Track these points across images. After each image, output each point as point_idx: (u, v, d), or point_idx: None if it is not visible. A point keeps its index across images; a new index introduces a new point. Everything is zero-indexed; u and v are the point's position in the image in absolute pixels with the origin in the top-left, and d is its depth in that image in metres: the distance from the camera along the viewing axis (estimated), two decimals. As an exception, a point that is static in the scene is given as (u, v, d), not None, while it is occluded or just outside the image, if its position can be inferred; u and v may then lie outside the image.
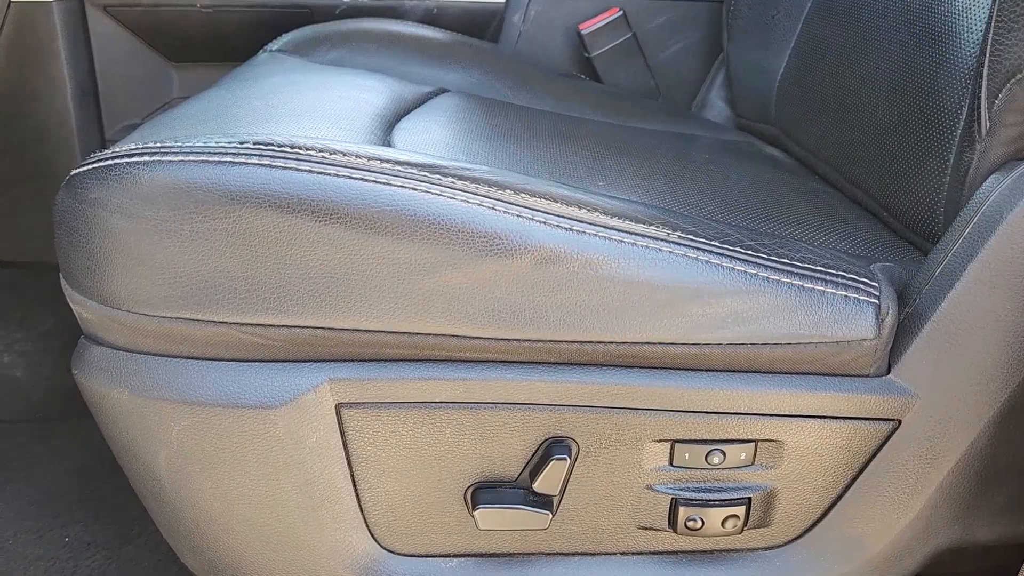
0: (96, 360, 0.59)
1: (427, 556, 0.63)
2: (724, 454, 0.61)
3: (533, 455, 0.61)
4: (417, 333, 0.57)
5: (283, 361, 0.58)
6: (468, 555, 0.64)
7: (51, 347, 1.21)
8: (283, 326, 0.56)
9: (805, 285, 0.58)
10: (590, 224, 0.57)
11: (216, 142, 0.56)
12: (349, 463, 0.60)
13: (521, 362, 0.58)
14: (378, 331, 0.57)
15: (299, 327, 0.56)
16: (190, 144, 0.56)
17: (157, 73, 1.22)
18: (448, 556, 0.64)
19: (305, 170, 0.55)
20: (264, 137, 0.57)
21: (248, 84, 0.84)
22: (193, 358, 0.58)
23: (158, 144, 0.56)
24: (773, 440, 0.61)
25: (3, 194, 1.18)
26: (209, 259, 0.55)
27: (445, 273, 0.55)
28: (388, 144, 0.75)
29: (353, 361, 0.58)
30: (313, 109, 0.75)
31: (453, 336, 0.57)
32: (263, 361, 0.58)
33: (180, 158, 0.55)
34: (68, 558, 0.90)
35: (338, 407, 0.58)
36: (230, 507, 0.60)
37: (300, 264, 0.55)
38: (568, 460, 0.59)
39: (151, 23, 1.17)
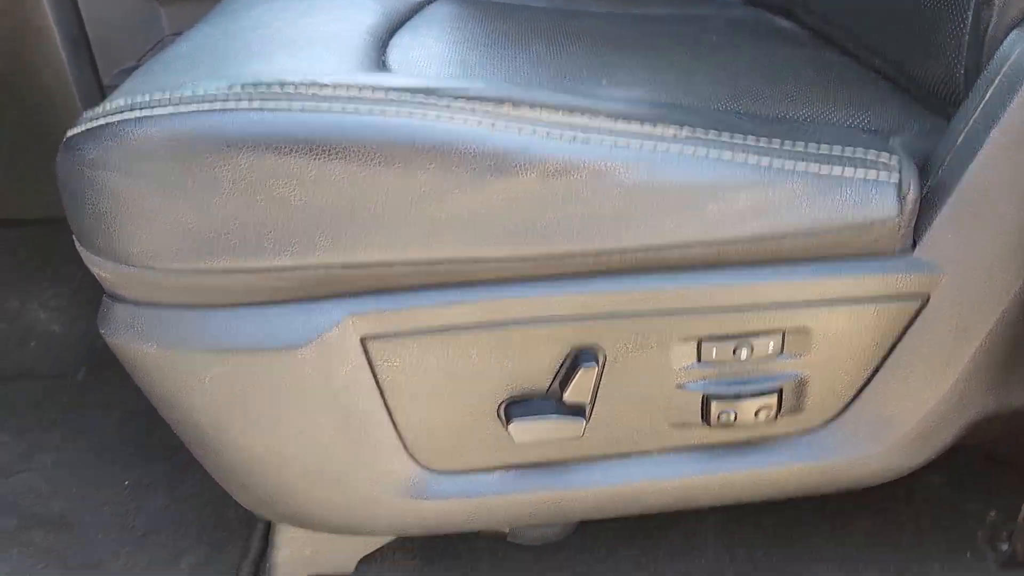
0: (120, 318, 0.60)
1: (469, 472, 0.65)
2: (752, 347, 0.61)
3: (561, 366, 0.61)
4: (431, 260, 0.56)
5: (303, 301, 0.58)
6: (508, 467, 0.65)
7: (84, 300, 1.23)
8: (297, 267, 0.56)
9: (823, 170, 0.57)
10: (595, 131, 0.55)
11: (205, 90, 0.55)
12: (381, 393, 0.61)
13: (540, 277, 0.58)
14: (392, 262, 0.56)
15: (313, 267, 0.56)
16: (179, 94, 0.55)
17: (144, 11, 1.19)
18: (489, 470, 0.65)
19: (297, 109, 0.53)
20: (252, 78, 0.55)
21: (238, 17, 0.82)
22: (214, 307, 0.58)
23: (148, 97, 0.55)
24: (800, 328, 0.61)
25: (13, 154, 1.18)
26: (213, 209, 0.55)
27: (451, 198, 0.54)
28: (384, 64, 0.73)
29: (372, 294, 0.58)
30: (305, 36, 0.73)
31: (468, 260, 0.56)
32: (283, 303, 0.58)
33: (171, 110, 0.54)
34: (131, 500, 0.94)
35: (363, 340, 0.59)
36: (272, 447, 0.62)
37: (305, 204, 0.54)
38: (596, 367, 0.60)
39: (131, -40, 1.14)
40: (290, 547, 0.76)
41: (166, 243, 0.56)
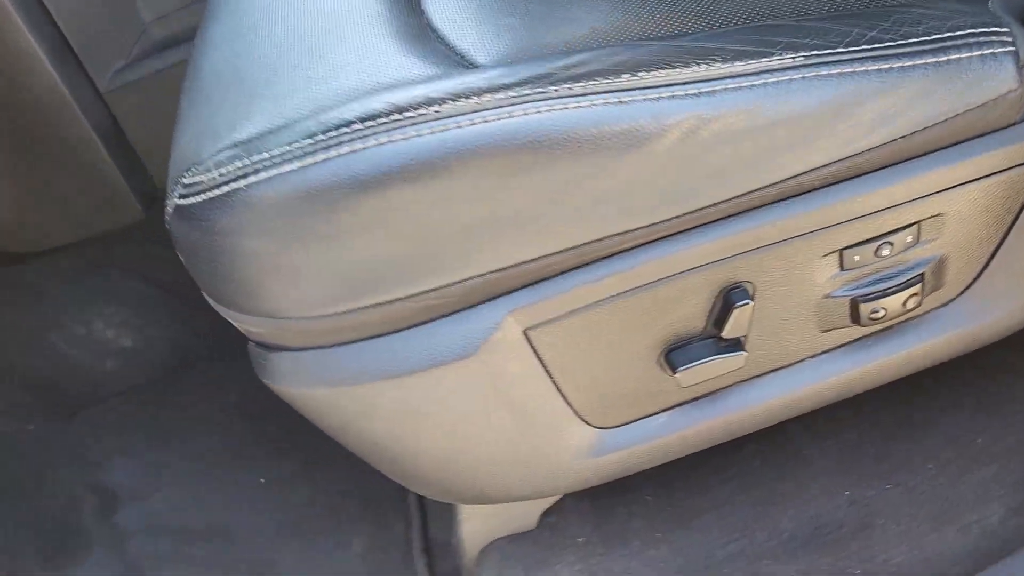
0: (282, 366, 0.61)
1: (638, 420, 0.67)
2: (891, 244, 0.62)
3: (713, 306, 0.62)
4: (579, 244, 0.57)
5: (462, 311, 0.58)
6: (673, 407, 0.68)
7: (144, 311, 1.21)
8: (450, 284, 0.56)
9: (940, 60, 0.56)
10: (716, 80, 0.54)
11: (324, 132, 0.53)
12: (549, 374, 0.62)
13: (684, 231, 0.58)
14: (541, 256, 0.56)
15: (465, 280, 0.56)
16: (299, 144, 0.53)
17: (117, 5, 1.12)
18: (656, 414, 0.68)
19: (426, 133, 0.52)
20: (364, 110, 0.53)
21: (246, 9, 0.77)
22: (377, 336, 0.59)
23: (266, 155, 0.53)
24: (935, 215, 0.62)
25: (32, 182, 1.14)
26: (359, 250, 0.54)
27: (591, 182, 0.54)
28: (431, 27, 0.70)
29: (526, 287, 0.58)
30: (343, 18, 0.69)
31: (614, 235, 0.57)
32: (443, 317, 0.58)
33: (298, 164, 0.52)
34: (274, 497, 0.96)
35: (525, 332, 0.59)
36: (454, 448, 0.64)
37: (449, 224, 0.54)
38: (750, 303, 0.61)
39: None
40: (474, 520, 0.80)
41: (317, 292, 0.56)
